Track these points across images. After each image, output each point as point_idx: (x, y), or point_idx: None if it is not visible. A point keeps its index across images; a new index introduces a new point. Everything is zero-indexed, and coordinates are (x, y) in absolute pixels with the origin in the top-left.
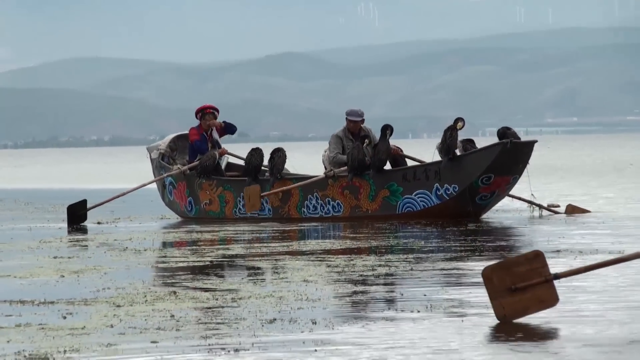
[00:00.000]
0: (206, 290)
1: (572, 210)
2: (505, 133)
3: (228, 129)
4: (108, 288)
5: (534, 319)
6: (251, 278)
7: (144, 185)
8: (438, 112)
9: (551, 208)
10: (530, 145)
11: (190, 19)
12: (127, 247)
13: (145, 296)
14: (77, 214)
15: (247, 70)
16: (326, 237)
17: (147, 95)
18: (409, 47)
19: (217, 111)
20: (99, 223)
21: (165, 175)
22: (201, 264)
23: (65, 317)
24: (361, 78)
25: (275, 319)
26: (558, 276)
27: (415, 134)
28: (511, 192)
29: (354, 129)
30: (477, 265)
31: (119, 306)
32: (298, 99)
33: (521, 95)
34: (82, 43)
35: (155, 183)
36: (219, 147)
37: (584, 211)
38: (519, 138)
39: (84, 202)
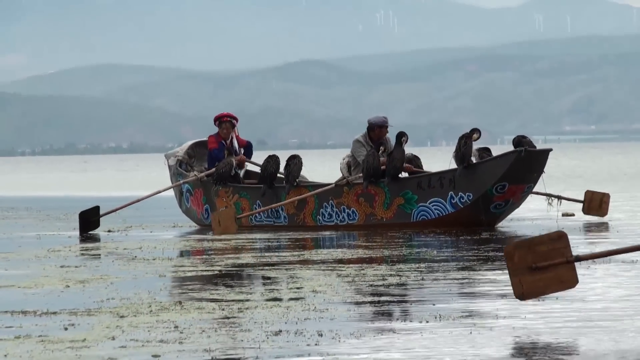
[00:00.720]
0: (213, 300)
1: (591, 195)
2: (520, 141)
3: (247, 150)
4: (113, 298)
5: (548, 331)
6: (259, 288)
7: (159, 192)
8: (457, 119)
9: (571, 198)
10: (545, 153)
11: (210, 26)
12: (136, 256)
13: (150, 306)
14: (89, 221)
15: (265, 78)
16: (338, 245)
17: (165, 103)
18: (428, 54)
19: (236, 120)
20: (109, 231)
21: (181, 182)
22: (210, 273)
23: (66, 329)
24: (380, 85)
25: (280, 331)
26: (580, 258)
27: (433, 142)
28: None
29: (380, 136)
30: (489, 275)
31: (122, 317)
32: (317, 106)
33: (539, 103)
34: (100, 50)
35: (172, 190)
36: (237, 155)
37: (603, 195)
38: (535, 146)
39: (97, 208)
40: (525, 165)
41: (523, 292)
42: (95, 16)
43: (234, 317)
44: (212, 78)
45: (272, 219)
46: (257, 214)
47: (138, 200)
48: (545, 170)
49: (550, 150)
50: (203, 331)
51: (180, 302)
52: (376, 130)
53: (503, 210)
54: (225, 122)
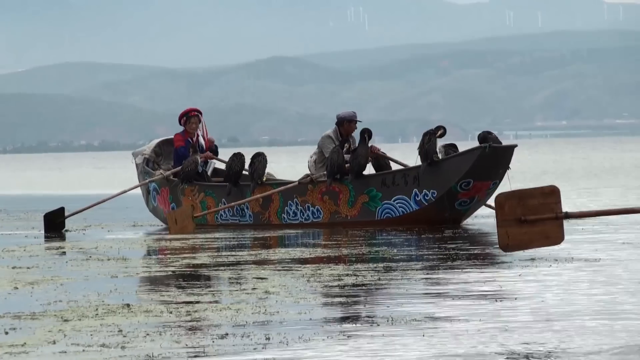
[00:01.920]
0: (162, 302)
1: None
2: (486, 137)
3: (211, 152)
4: (60, 301)
5: (504, 333)
6: (211, 289)
7: (125, 191)
8: (429, 115)
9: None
10: (510, 149)
11: (181, 23)
12: (90, 256)
13: (97, 309)
14: (54, 222)
15: (237, 75)
16: (298, 245)
17: (137, 100)
18: (400, 51)
19: (201, 113)
20: (66, 230)
21: (147, 180)
22: (163, 274)
23: (7, 333)
24: (352, 82)
25: (227, 334)
26: (569, 215)
27: (405, 138)
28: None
29: (349, 131)
30: (447, 275)
31: (66, 320)
32: (288, 103)
33: (511, 99)
34: (73, 47)
35: (140, 189)
36: (202, 152)
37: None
38: (500, 142)
39: (62, 210)
40: (490, 161)
41: (508, 244)
42: (68, 13)
43: (181, 320)
44: (185, 76)
45: (237, 218)
46: (222, 213)
47: (104, 201)
48: (510, 166)
49: (515, 146)
50: (147, 335)
51: (128, 305)
52: (345, 124)
53: (468, 207)
54: (193, 116)
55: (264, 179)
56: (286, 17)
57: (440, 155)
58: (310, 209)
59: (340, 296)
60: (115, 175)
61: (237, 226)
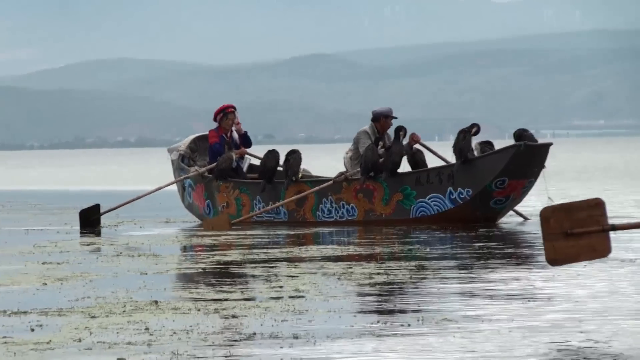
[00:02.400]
0: (190, 300)
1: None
2: (521, 135)
3: (245, 140)
4: (88, 297)
5: (535, 333)
6: (241, 287)
7: (161, 188)
8: (466, 114)
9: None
10: (545, 148)
11: (217, 20)
12: (121, 253)
13: (124, 306)
14: (89, 219)
15: (274, 72)
16: (329, 242)
17: (173, 97)
18: (438, 48)
19: (236, 110)
20: (101, 227)
21: (182, 177)
22: (193, 271)
23: (33, 330)
24: (389, 80)
25: (255, 333)
26: (615, 227)
27: (442, 137)
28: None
29: (385, 127)
30: (480, 275)
31: (93, 317)
32: (325, 100)
33: (549, 98)
34: (110, 44)
35: (175, 185)
36: (238, 148)
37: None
38: (536, 140)
39: (97, 206)
40: (526, 159)
41: (555, 258)
42: (105, 10)
43: (209, 318)
44: (221, 72)
45: (272, 215)
46: (256, 209)
47: (139, 197)
48: (546, 165)
49: (551, 144)
50: (174, 333)
51: (156, 302)
52: (381, 120)
53: (504, 205)
54: (230, 113)
55: (300, 176)
56: (323, 14)
57: (475, 153)
58: (345, 206)
59: (371, 295)
60: (151, 171)
61: (272, 223)
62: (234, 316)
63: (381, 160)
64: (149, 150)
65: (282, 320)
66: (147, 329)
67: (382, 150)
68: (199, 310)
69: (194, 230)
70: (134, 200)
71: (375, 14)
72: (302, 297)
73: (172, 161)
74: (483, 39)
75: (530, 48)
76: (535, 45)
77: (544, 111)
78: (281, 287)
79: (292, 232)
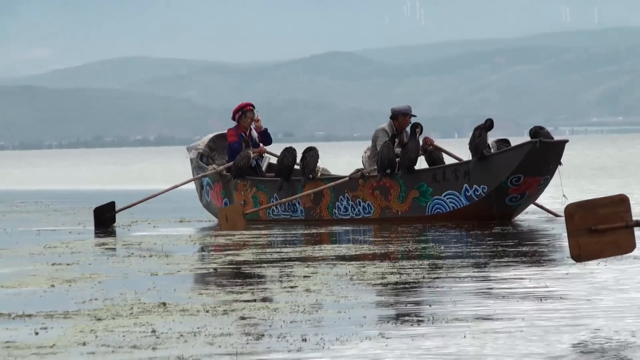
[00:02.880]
0: (199, 301)
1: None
2: (537, 132)
3: (265, 137)
4: (96, 299)
5: (543, 335)
6: (251, 287)
7: (177, 186)
8: (483, 111)
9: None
10: (561, 145)
11: (236, 18)
12: (132, 253)
13: (132, 308)
14: (104, 217)
15: (292, 70)
16: (344, 241)
17: (192, 95)
18: (455, 46)
19: (254, 107)
20: (115, 226)
21: (200, 175)
22: (204, 271)
23: (37, 333)
24: (407, 77)
25: (263, 335)
26: None
27: (461, 133)
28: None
29: (404, 124)
30: (493, 274)
31: (99, 320)
32: (344, 98)
33: (567, 95)
34: (127, 42)
35: (193, 184)
36: (257, 147)
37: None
38: (552, 137)
39: (112, 204)
40: (541, 156)
41: (580, 254)
42: (122, 9)
43: (217, 320)
44: (239, 70)
45: (289, 213)
46: (274, 208)
47: (155, 195)
48: (562, 161)
49: (566, 141)
50: (181, 335)
51: (164, 304)
52: (400, 118)
53: (519, 202)
54: (249, 111)
55: (319, 174)
56: (342, 12)
57: (492, 151)
58: (361, 204)
59: (382, 295)
60: (171, 170)
61: (289, 221)
62: (242, 318)
63: (398, 158)
64: (170, 149)
65: (291, 322)
66: (153, 331)
67: (399, 148)
68: (207, 311)
69: (207, 230)
70: (150, 197)
71: (394, 12)
72: (313, 297)
73: (191, 160)
74: (501, 37)
75: (547, 45)
76: (553, 43)
77: (562, 108)
78: (293, 287)
79: (307, 231)
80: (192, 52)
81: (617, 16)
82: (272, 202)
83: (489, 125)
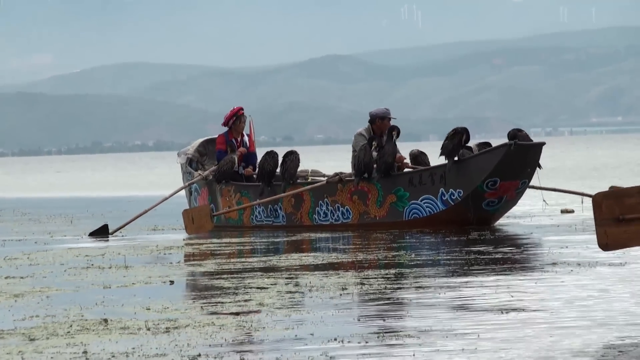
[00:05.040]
0: (144, 317)
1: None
2: (515, 135)
3: (250, 158)
4: (37, 316)
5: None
6: (202, 301)
7: (166, 199)
8: (484, 113)
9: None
10: (537, 147)
11: (233, 23)
12: (92, 265)
13: (71, 326)
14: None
15: (291, 74)
16: (311, 249)
17: (191, 100)
18: (454, 48)
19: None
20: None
21: (187, 184)
22: (158, 284)
23: None
24: (406, 80)
25: (199, 355)
26: None
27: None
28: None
29: (382, 128)
30: (458, 284)
31: (32, 340)
32: (343, 101)
33: (566, 95)
34: (125, 48)
35: (184, 190)
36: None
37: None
38: (531, 140)
39: (105, 227)
40: (517, 159)
41: (607, 243)
42: (120, 15)
43: (155, 339)
44: (237, 75)
45: (271, 219)
46: (257, 214)
47: (146, 211)
48: (541, 165)
49: (543, 144)
50: (112, 357)
51: (105, 321)
52: (377, 122)
53: (497, 207)
54: (243, 115)
55: (309, 179)
56: (340, 16)
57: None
58: (340, 209)
59: (337, 308)
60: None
61: (271, 227)
62: (180, 335)
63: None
64: (168, 154)
65: (232, 341)
66: (85, 352)
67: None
68: (148, 329)
69: (178, 239)
70: (141, 214)
71: (392, 15)
72: (264, 313)
73: (181, 165)
74: (499, 38)
75: (546, 46)
76: (552, 43)
77: (561, 109)
78: (246, 301)
79: (278, 239)
80: (190, 57)
81: (615, 16)
82: (255, 207)
83: (461, 130)
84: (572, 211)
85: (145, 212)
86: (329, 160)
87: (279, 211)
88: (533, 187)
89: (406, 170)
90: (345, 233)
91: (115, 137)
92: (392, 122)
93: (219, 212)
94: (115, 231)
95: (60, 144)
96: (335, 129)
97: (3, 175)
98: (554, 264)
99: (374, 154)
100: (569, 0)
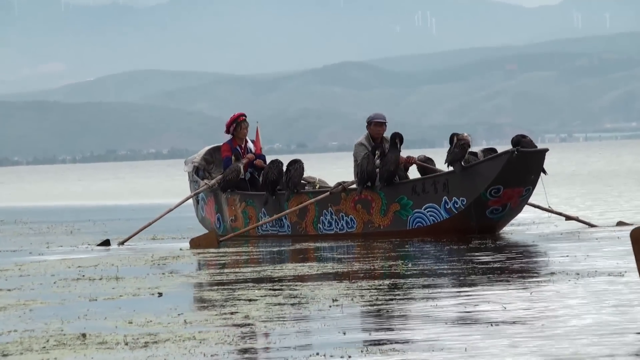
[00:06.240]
0: (124, 331)
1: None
2: (519, 141)
3: (261, 158)
4: (15, 331)
5: None
6: (188, 314)
7: (171, 210)
8: (497, 118)
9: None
10: (540, 154)
11: (247, 30)
12: (83, 276)
13: (48, 341)
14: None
15: (304, 81)
16: (308, 259)
17: (204, 107)
18: (467, 54)
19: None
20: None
21: (193, 194)
22: (146, 296)
23: None
24: (420, 86)
25: None
26: None
27: (474, 142)
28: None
29: (378, 133)
30: (452, 295)
31: (5, 355)
32: (357, 108)
33: (580, 101)
34: (139, 56)
35: (192, 199)
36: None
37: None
38: (535, 146)
39: (107, 242)
40: (520, 166)
41: None
42: (132, 23)
43: (132, 355)
44: (251, 82)
45: (276, 229)
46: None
47: (152, 223)
48: (546, 171)
49: (546, 150)
50: None
51: (84, 335)
52: (372, 126)
53: (501, 215)
54: (243, 121)
55: (317, 187)
56: (353, 22)
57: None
58: (344, 218)
59: (325, 319)
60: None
61: (276, 237)
62: (163, 350)
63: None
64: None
65: (211, 355)
66: None
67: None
68: (127, 344)
69: (175, 249)
70: (146, 226)
71: (406, 22)
72: (248, 326)
73: (188, 173)
74: (512, 44)
75: (559, 52)
76: (565, 49)
77: (575, 115)
78: (232, 313)
79: (277, 249)
80: (203, 64)
81: (629, 22)
82: (260, 216)
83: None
84: (630, 224)
85: (149, 224)
86: (336, 168)
87: (284, 221)
88: (532, 204)
89: (410, 178)
90: (347, 242)
91: (130, 145)
92: (395, 129)
93: (226, 238)
94: (124, 242)
95: (74, 152)
96: (349, 135)
97: (27, 184)
98: (552, 273)
99: (377, 162)
100: (583, 6)
